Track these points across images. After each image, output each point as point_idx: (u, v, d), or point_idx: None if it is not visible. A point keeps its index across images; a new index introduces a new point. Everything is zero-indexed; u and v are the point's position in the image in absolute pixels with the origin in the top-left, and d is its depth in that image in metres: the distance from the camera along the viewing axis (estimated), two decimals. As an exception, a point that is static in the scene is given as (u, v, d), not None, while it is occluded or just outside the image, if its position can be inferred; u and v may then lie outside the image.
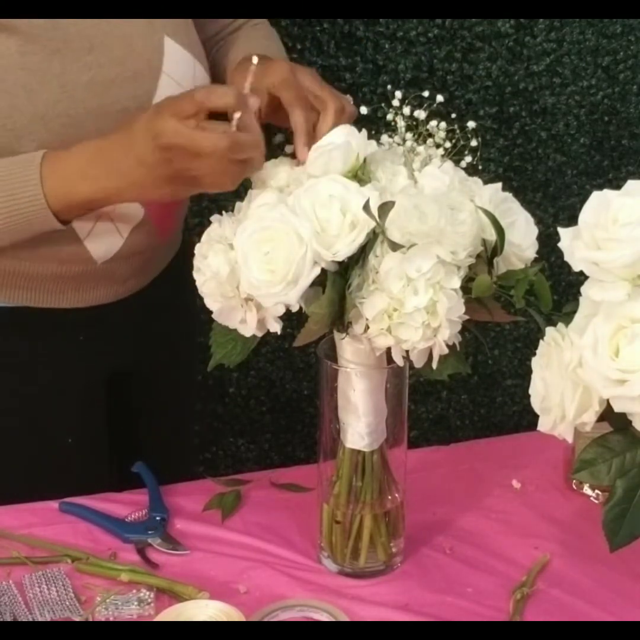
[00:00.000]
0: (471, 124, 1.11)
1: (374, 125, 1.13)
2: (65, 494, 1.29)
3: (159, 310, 1.43)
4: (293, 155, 1.13)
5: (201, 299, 1.11)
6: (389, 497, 1.18)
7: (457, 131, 1.09)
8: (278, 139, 1.13)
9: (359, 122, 1.12)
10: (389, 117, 1.11)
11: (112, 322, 1.38)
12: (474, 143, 1.09)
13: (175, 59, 1.26)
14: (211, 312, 1.11)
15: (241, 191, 1.14)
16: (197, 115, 1.08)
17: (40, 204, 1.16)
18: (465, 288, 1.03)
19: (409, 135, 1.10)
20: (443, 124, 1.09)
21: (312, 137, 1.13)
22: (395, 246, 1.01)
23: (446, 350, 1.04)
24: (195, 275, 1.11)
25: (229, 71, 1.33)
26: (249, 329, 1.09)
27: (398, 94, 1.10)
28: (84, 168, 1.15)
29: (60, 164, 1.16)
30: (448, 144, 1.09)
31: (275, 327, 1.08)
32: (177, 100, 1.11)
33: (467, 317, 1.04)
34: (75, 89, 1.19)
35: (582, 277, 0.95)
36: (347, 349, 1.11)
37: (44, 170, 1.15)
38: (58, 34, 1.18)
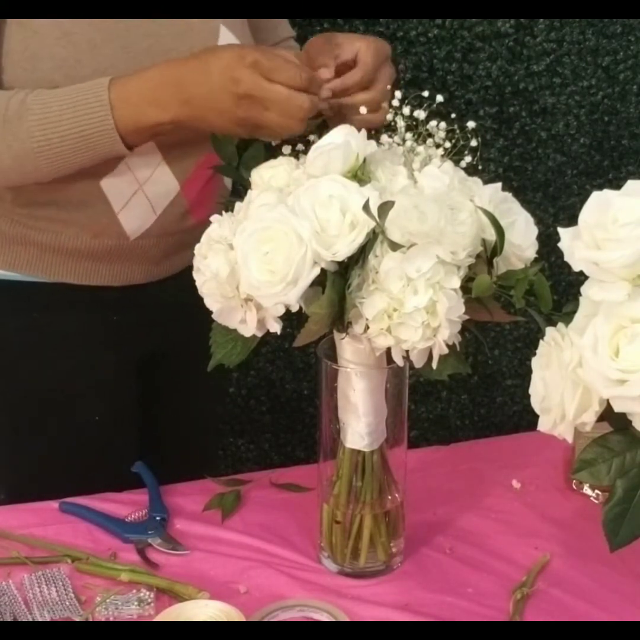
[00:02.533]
0: (471, 124, 1.11)
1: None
2: (92, 472, 1.32)
3: (193, 297, 1.43)
4: (293, 156, 1.13)
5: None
6: (389, 497, 1.18)
7: (457, 131, 1.09)
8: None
9: (359, 122, 1.12)
10: (389, 117, 1.11)
11: (145, 304, 1.40)
12: (474, 143, 1.09)
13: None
14: (211, 312, 1.11)
15: (241, 191, 1.14)
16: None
17: (109, 127, 1.19)
18: (465, 288, 1.03)
19: (408, 135, 1.10)
20: (443, 124, 1.09)
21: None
22: (395, 246, 1.01)
23: (446, 350, 1.04)
24: (195, 275, 1.11)
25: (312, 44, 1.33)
26: (249, 329, 1.09)
27: (398, 94, 1.10)
28: (154, 93, 1.19)
29: (130, 87, 1.20)
30: (448, 144, 1.09)
31: (275, 327, 1.08)
32: (262, 54, 1.15)
33: (467, 317, 1.04)
34: (136, 52, 1.24)
35: (582, 277, 0.95)
36: (347, 349, 1.11)
37: (113, 94, 1.19)
38: None
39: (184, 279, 1.38)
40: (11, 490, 1.42)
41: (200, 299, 1.42)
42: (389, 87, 1.21)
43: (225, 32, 1.30)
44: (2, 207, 1.34)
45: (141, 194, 1.30)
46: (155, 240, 1.36)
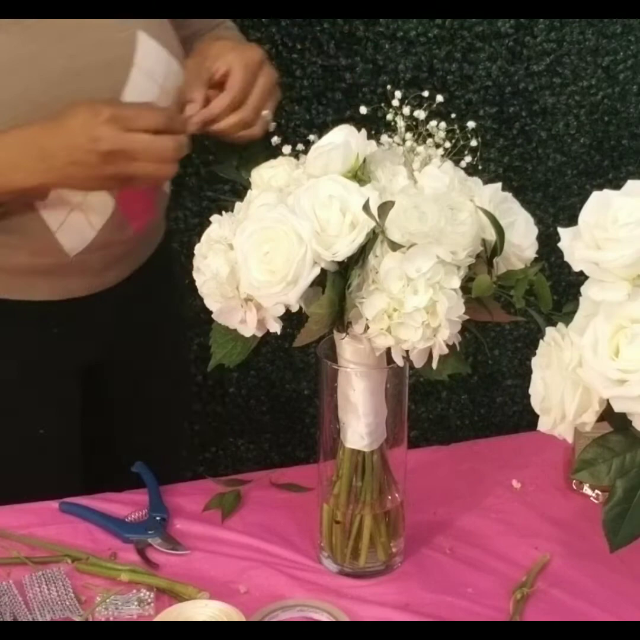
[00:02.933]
0: (471, 124, 1.11)
1: (374, 125, 1.13)
2: (38, 487, 1.28)
3: (137, 304, 1.42)
4: (292, 156, 1.13)
5: (192, 295, 1.11)
6: (389, 497, 1.18)
7: (457, 131, 1.09)
8: (276, 139, 1.13)
9: (359, 122, 1.12)
10: (389, 117, 1.11)
11: (87, 316, 1.37)
12: (474, 143, 1.09)
13: (148, 53, 1.27)
14: (210, 312, 1.11)
15: (241, 191, 1.14)
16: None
17: None
18: (465, 288, 1.03)
19: (408, 135, 1.09)
20: (443, 124, 1.09)
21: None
22: (395, 246, 1.01)
23: (446, 350, 1.04)
24: (195, 275, 1.11)
25: (195, 58, 1.32)
26: (249, 329, 1.09)
27: (398, 94, 1.10)
28: (17, 159, 1.17)
29: None
30: (448, 144, 1.09)
31: (275, 328, 1.08)
32: (117, 107, 1.14)
33: (467, 317, 1.03)
34: (48, 75, 1.20)
35: (582, 277, 0.95)
36: (347, 349, 1.11)
37: None
38: (32, 20, 1.18)
39: (125, 289, 1.38)
40: None
41: (147, 306, 1.41)
42: (265, 95, 1.22)
43: (145, 38, 1.27)
44: None
45: (78, 211, 1.28)
46: (97, 254, 1.33)
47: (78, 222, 1.29)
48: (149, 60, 1.27)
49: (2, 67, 1.18)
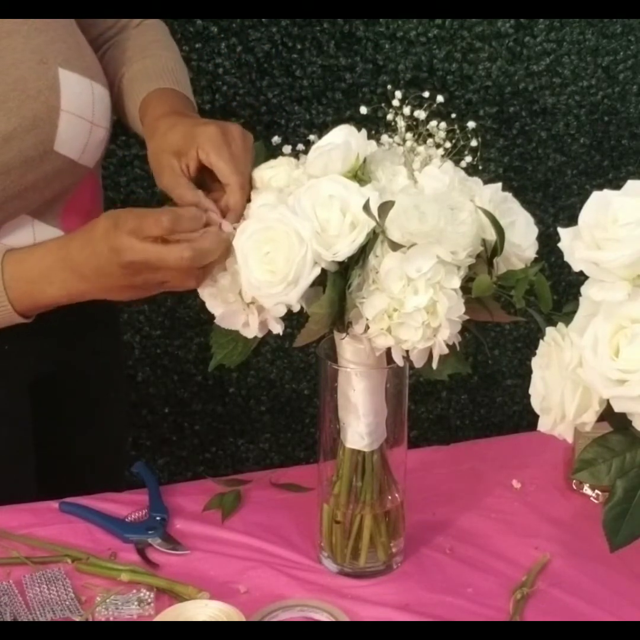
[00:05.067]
0: (471, 124, 1.11)
1: (374, 125, 1.13)
2: None
3: (79, 315, 1.40)
4: (292, 156, 1.13)
5: (192, 295, 1.12)
6: (389, 497, 1.18)
7: (457, 131, 1.09)
8: (277, 139, 1.13)
9: (359, 122, 1.12)
10: (389, 117, 1.11)
11: (33, 330, 1.31)
12: (474, 143, 1.09)
13: (73, 91, 1.23)
14: (209, 312, 1.11)
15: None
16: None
17: (7, 311, 1.18)
18: (465, 288, 1.03)
19: (409, 135, 1.09)
20: (443, 124, 1.09)
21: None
22: (395, 246, 1.01)
23: (446, 350, 1.04)
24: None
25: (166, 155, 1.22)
26: (251, 331, 1.09)
27: (398, 94, 1.10)
28: (48, 273, 1.17)
29: (23, 267, 1.18)
30: (448, 144, 1.09)
31: (277, 328, 1.08)
32: (139, 219, 1.09)
33: (467, 317, 1.04)
34: None
35: (582, 277, 0.95)
36: (347, 349, 1.11)
37: (6, 275, 1.17)
38: None
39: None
40: None
41: (89, 316, 1.39)
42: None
43: (66, 75, 1.22)
44: None
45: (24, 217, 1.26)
46: None
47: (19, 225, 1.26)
48: (75, 100, 1.23)
49: None
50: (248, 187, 1.13)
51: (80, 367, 1.45)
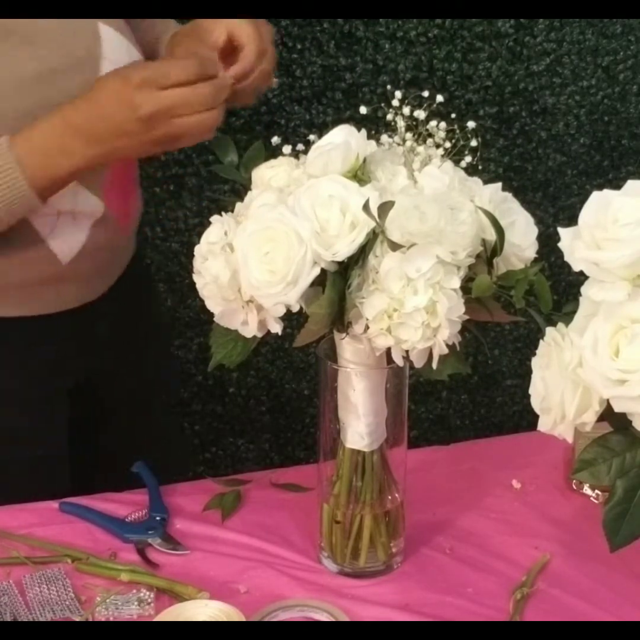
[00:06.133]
0: (471, 124, 1.11)
1: (374, 125, 1.13)
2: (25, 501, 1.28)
3: (123, 313, 1.41)
4: (292, 156, 1.13)
5: (192, 295, 1.12)
6: (389, 497, 1.18)
7: (457, 131, 1.09)
8: (276, 139, 1.13)
9: (359, 122, 1.12)
10: (389, 117, 1.11)
11: (82, 329, 1.36)
12: (474, 143, 1.09)
13: (112, 44, 1.26)
14: (210, 312, 1.11)
15: (241, 191, 1.14)
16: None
17: (22, 188, 1.15)
18: (465, 288, 1.03)
19: (408, 135, 1.09)
20: (443, 124, 1.09)
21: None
22: (395, 246, 1.01)
23: (446, 350, 1.04)
24: (195, 278, 1.11)
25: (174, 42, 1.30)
26: (250, 330, 1.09)
27: (398, 94, 1.10)
28: (60, 143, 1.15)
29: (33, 144, 1.15)
30: (448, 144, 1.09)
31: (276, 328, 1.08)
32: (153, 69, 1.12)
33: (467, 317, 1.03)
34: (23, 80, 1.18)
35: (582, 277, 0.95)
36: (347, 349, 1.11)
37: (17, 153, 1.14)
38: None
39: (110, 299, 1.37)
40: None
41: (129, 317, 1.40)
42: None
43: (106, 29, 1.26)
44: None
45: (68, 216, 1.26)
46: (89, 258, 1.31)
47: (68, 226, 1.27)
48: (115, 52, 1.26)
49: None
50: (264, 55, 1.21)
51: (121, 370, 1.45)
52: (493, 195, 1.07)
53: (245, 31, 1.22)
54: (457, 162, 1.09)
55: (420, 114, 1.09)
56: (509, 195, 1.09)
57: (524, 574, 1.18)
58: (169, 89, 1.10)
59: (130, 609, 1.12)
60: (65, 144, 1.15)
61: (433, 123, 1.09)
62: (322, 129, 1.13)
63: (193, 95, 1.10)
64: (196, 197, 2.20)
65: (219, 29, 1.23)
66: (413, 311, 1.00)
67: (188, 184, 2.18)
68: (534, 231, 1.09)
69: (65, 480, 1.40)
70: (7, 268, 1.27)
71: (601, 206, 0.93)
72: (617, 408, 0.93)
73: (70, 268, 1.30)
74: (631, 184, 0.95)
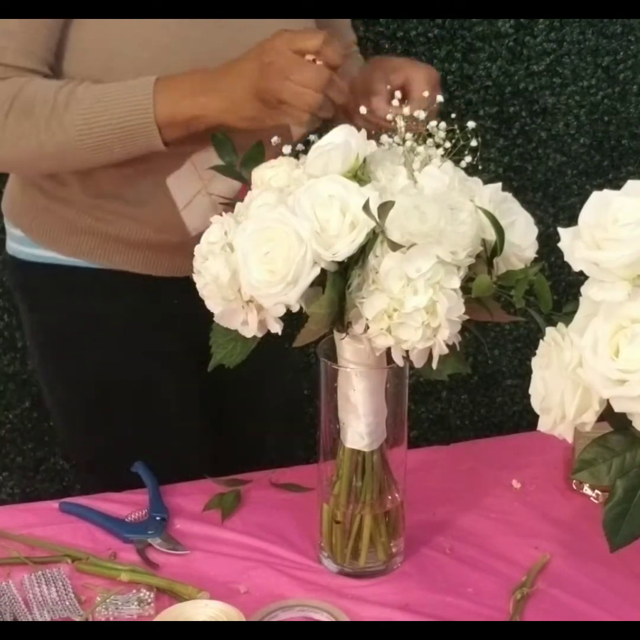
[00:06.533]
0: (471, 124, 1.11)
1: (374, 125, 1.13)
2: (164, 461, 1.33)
3: None
4: (292, 156, 1.13)
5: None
6: (389, 497, 1.18)
7: (457, 131, 1.09)
8: (276, 139, 1.13)
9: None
10: (389, 117, 1.11)
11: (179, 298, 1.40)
12: (474, 143, 1.09)
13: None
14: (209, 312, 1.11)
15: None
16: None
17: (149, 120, 1.25)
18: (465, 288, 1.03)
19: (408, 135, 1.09)
20: (443, 124, 1.09)
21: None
22: (395, 246, 1.01)
23: (446, 350, 1.04)
24: (195, 278, 1.11)
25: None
26: (250, 330, 1.09)
27: (398, 94, 1.10)
28: (189, 88, 1.26)
29: (171, 84, 1.26)
30: (448, 144, 1.09)
31: (276, 328, 1.08)
32: (294, 33, 1.21)
33: (467, 317, 1.04)
34: (205, 62, 1.28)
35: (582, 277, 0.95)
36: (347, 349, 1.11)
37: (157, 88, 1.25)
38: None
39: None
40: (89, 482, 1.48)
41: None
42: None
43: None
44: (70, 194, 1.39)
45: (204, 194, 1.35)
46: None
47: (203, 203, 1.35)
48: None
49: (166, 48, 1.28)
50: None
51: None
52: (493, 195, 1.07)
53: (421, 79, 1.28)
54: (457, 162, 1.09)
55: (420, 114, 1.09)
56: (509, 195, 1.09)
57: (524, 574, 1.18)
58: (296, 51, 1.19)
59: (130, 609, 1.12)
60: (192, 90, 1.25)
61: (433, 123, 1.09)
62: (322, 129, 1.13)
63: (308, 65, 1.18)
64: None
65: (400, 74, 1.29)
66: (413, 311, 1.00)
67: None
68: (534, 231, 1.09)
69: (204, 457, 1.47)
70: (141, 230, 1.39)
71: (601, 206, 0.93)
72: (617, 408, 0.93)
73: (194, 241, 1.34)
74: (631, 184, 0.95)
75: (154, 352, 1.45)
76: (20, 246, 1.46)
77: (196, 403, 1.50)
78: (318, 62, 1.18)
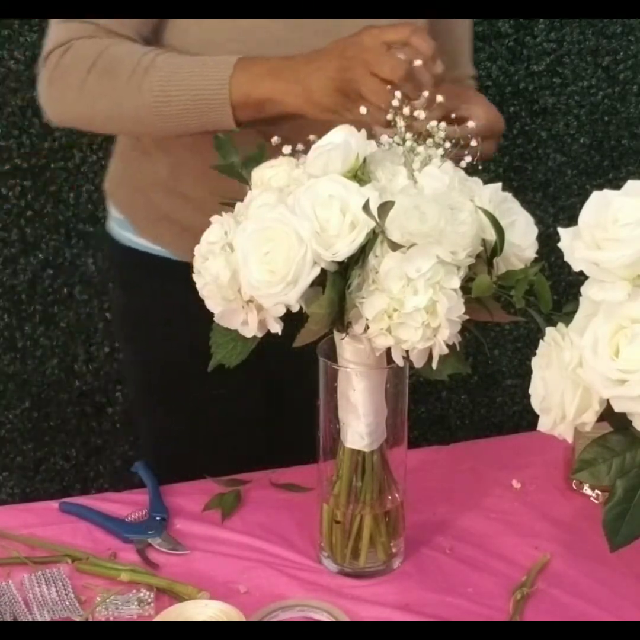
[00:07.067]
0: (471, 124, 1.11)
1: (374, 125, 1.13)
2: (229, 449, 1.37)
3: None
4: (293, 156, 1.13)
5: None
6: (389, 497, 1.18)
7: (457, 131, 1.09)
8: (276, 139, 1.13)
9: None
10: (389, 117, 1.11)
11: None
12: (474, 143, 1.09)
13: None
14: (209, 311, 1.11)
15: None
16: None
17: (223, 92, 1.25)
18: (465, 288, 1.03)
19: (408, 135, 1.09)
20: (443, 124, 1.09)
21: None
22: (395, 246, 1.01)
23: (446, 350, 1.04)
24: (195, 278, 1.11)
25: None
26: (250, 330, 1.09)
27: (398, 94, 1.10)
28: (267, 71, 1.26)
29: (251, 64, 1.27)
30: (448, 144, 1.09)
31: (276, 328, 1.08)
32: (383, 27, 1.21)
33: (467, 317, 1.03)
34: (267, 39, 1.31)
35: (582, 277, 0.95)
36: (347, 349, 1.11)
37: (237, 66, 1.26)
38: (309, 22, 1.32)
39: None
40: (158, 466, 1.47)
41: None
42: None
43: None
44: (157, 181, 1.42)
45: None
46: None
47: None
48: None
49: (259, 42, 1.31)
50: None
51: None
52: (493, 195, 1.07)
53: (487, 116, 1.31)
54: (457, 162, 1.09)
55: (420, 114, 1.09)
56: (509, 195, 1.09)
57: (524, 574, 1.18)
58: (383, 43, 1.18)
59: (130, 609, 1.12)
60: (270, 72, 1.25)
61: (433, 123, 1.08)
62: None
63: (388, 56, 1.17)
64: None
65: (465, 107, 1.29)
66: (413, 311, 1.00)
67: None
68: (534, 231, 1.09)
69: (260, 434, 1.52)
70: (193, 214, 1.38)
71: (601, 206, 0.93)
72: (617, 408, 0.93)
73: None
74: (631, 184, 0.95)
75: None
76: (120, 229, 1.50)
77: (263, 393, 1.51)
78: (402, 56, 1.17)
